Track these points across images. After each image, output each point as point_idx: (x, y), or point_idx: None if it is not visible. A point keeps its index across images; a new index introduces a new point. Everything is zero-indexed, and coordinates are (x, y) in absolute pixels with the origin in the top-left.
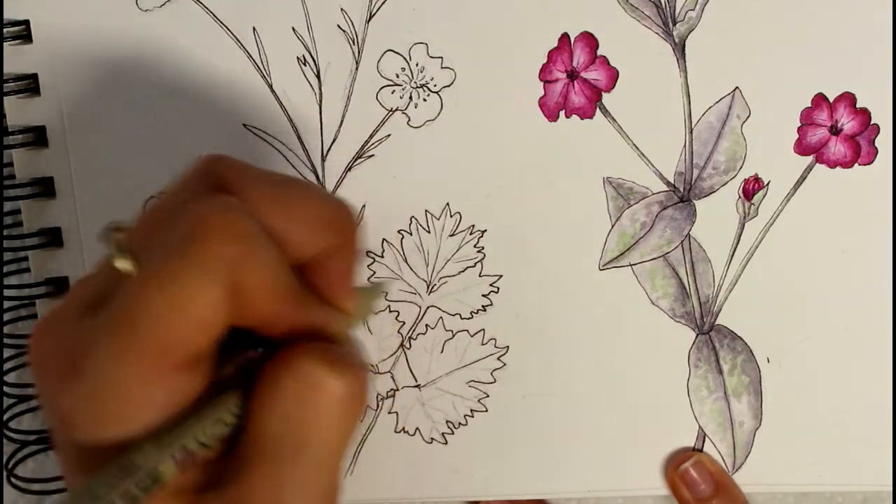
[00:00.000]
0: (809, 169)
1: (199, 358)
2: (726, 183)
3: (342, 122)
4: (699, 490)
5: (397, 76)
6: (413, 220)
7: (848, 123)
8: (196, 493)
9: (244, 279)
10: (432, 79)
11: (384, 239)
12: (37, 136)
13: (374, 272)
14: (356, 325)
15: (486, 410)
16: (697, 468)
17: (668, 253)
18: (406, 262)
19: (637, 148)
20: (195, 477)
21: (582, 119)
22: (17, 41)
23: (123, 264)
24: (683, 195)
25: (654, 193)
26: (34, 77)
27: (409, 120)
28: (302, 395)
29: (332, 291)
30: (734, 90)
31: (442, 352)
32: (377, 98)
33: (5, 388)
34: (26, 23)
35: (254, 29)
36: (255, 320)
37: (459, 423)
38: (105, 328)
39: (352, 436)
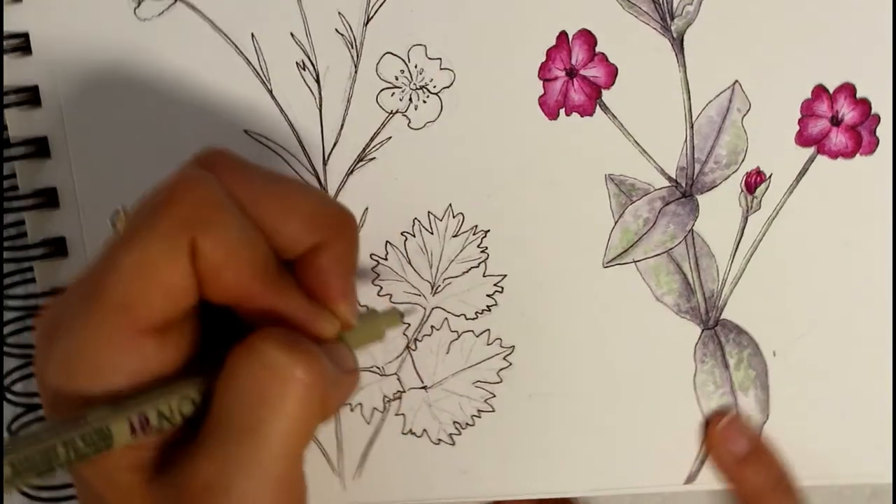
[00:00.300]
0: (811, 161)
1: (166, 327)
2: (728, 177)
3: (343, 125)
4: (736, 448)
5: (396, 78)
6: (416, 221)
7: (848, 114)
8: (153, 471)
9: (209, 247)
10: (432, 80)
11: (387, 241)
12: (39, 148)
13: (378, 274)
14: (365, 345)
15: (493, 410)
16: (734, 426)
17: (671, 249)
18: (410, 263)
19: (638, 144)
20: (154, 456)
21: (582, 116)
22: (16, 53)
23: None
24: (686, 190)
25: (656, 189)
26: (34, 89)
27: (410, 122)
28: (257, 376)
29: (324, 290)
30: (734, 84)
31: (448, 353)
32: (377, 101)
33: (13, 398)
34: (25, 35)
35: (252, 35)
36: (225, 296)
37: (467, 424)
38: (77, 291)
39: (309, 427)
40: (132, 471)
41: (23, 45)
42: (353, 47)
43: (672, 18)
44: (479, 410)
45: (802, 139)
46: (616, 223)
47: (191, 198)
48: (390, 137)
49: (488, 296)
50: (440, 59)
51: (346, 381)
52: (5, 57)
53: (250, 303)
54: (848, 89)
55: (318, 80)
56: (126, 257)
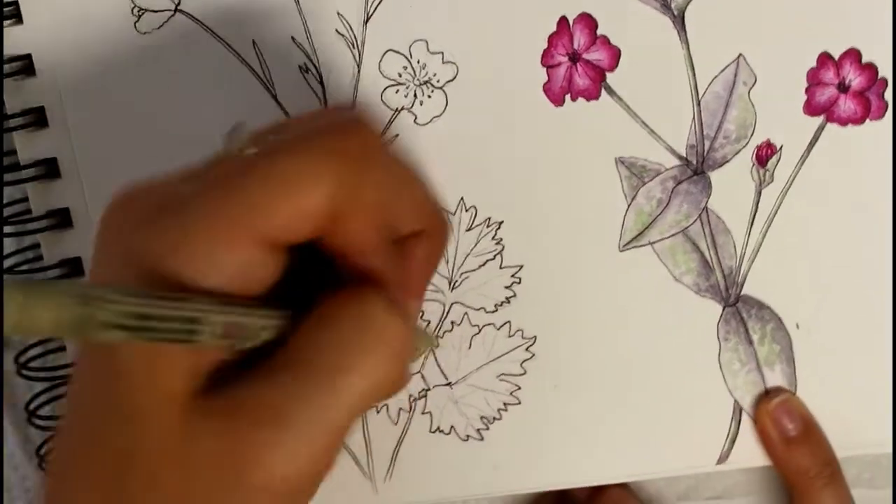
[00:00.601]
0: (821, 129)
1: (281, 247)
2: (739, 151)
3: None
4: (786, 429)
5: (400, 75)
6: None
7: (855, 80)
8: (200, 386)
9: (366, 187)
10: (435, 74)
11: None
12: (48, 169)
13: None
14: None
15: (519, 403)
16: (786, 406)
17: (687, 228)
18: None
19: (646, 125)
20: (209, 372)
21: (588, 101)
22: (20, 76)
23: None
24: (697, 168)
25: (667, 169)
26: (41, 110)
27: (416, 118)
28: (359, 328)
29: (406, 281)
30: (738, 57)
31: (470, 347)
32: (382, 99)
33: (40, 422)
34: (28, 57)
35: (253, 42)
36: (346, 240)
37: (494, 418)
38: (212, 182)
39: (382, 394)
40: (184, 377)
41: (26, 67)
42: (354, 47)
43: None
44: (505, 404)
45: (811, 108)
46: (629, 206)
47: (362, 133)
48: (398, 135)
49: (506, 287)
50: (442, 53)
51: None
52: (10, 80)
53: (364, 256)
54: (853, 55)
55: (321, 83)
56: (278, 165)
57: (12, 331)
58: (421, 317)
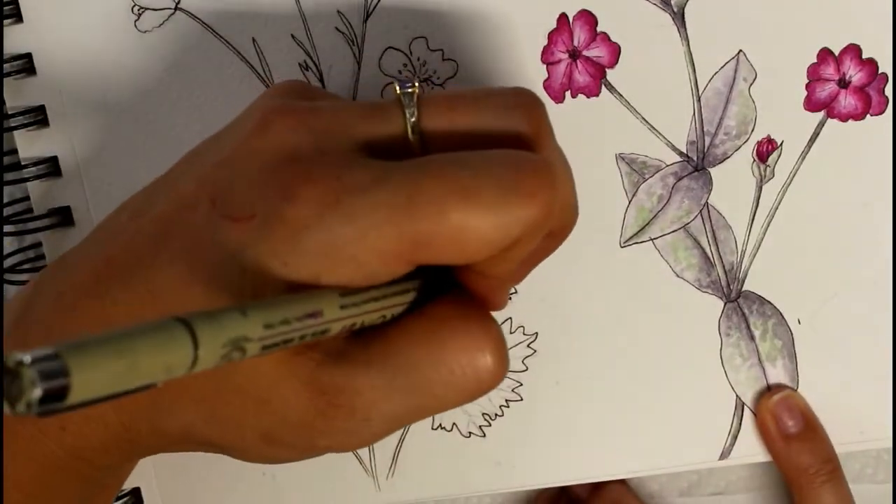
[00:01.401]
0: (822, 125)
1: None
2: (739, 147)
3: None
4: (786, 425)
5: (400, 72)
6: None
7: (856, 75)
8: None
9: (542, 228)
10: (435, 72)
11: None
12: (50, 168)
13: None
14: None
15: (521, 399)
16: (787, 403)
17: (687, 224)
18: None
19: (646, 121)
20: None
21: (588, 98)
22: (21, 75)
23: (411, 118)
24: (698, 164)
25: (668, 165)
26: (41, 109)
27: None
28: (458, 363)
29: (517, 277)
30: (738, 53)
31: None
32: (382, 96)
33: None
34: (28, 56)
35: (253, 40)
36: (483, 265)
37: (496, 415)
38: (389, 190)
39: (440, 411)
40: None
41: (27, 66)
42: (354, 44)
43: None
44: (507, 400)
45: (811, 104)
46: (630, 202)
47: (544, 196)
48: None
49: None
50: (442, 50)
51: None
52: (10, 80)
53: (500, 277)
54: (853, 50)
55: (321, 80)
56: (472, 207)
57: (170, 375)
58: None
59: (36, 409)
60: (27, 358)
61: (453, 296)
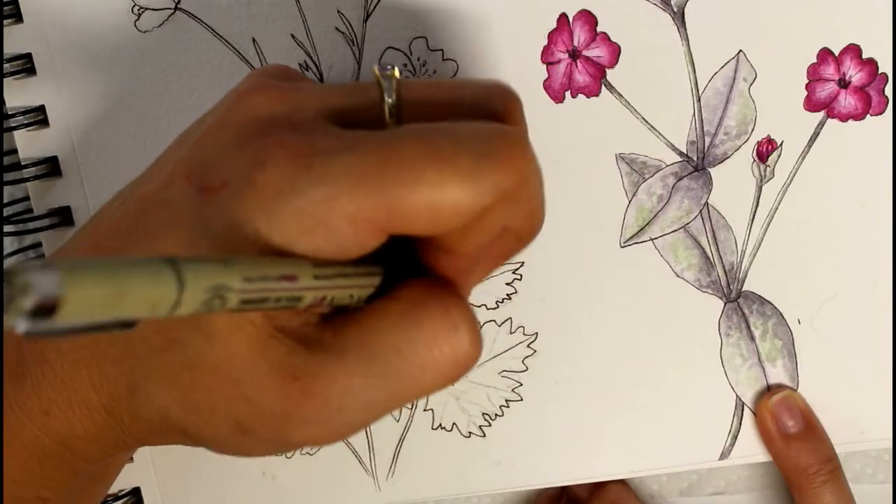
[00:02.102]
0: (822, 125)
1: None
2: (739, 147)
3: None
4: (786, 426)
5: (400, 72)
6: None
7: (856, 75)
8: (275, 324)
9: (509, 207)
10: (435, 72)
11: None
12: (50, 168)
13: None
14: None
15: (521, 399)
16: (786, 403)
17: (687, 224)
18: None
19: (646, 121)
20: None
21: (588, 97)
22: (21, 75)
23: (388, 99)
24: (697, 164)
25: (668, 165)
26: (41, 109)
27: None
28: (438, 338)
29: (480, 274)
30: (738, 53)
31: None
32: None
33: None
34: (28, 56)
35: (253, 40)
36: (454, 242)
37: (496, 415)
38: (362, 154)
39: (419, 396)
40: (264, 316)
41: (27, 66)
42: (354, 44)
43: None
44: (507, 400)
45: (811, 104)
46: (630, 202)
47: (519, 164)
48: None
49: (507, 284)
50: (442, 50)
51: None
52: (11, 79)
53: (464, 257)
54: (853, 50)
55: (321, 80)
56: (438, 173)
57: (154, 312)
58: None
59: (26, 323)
60: (22, 265)
61: (424, 279)
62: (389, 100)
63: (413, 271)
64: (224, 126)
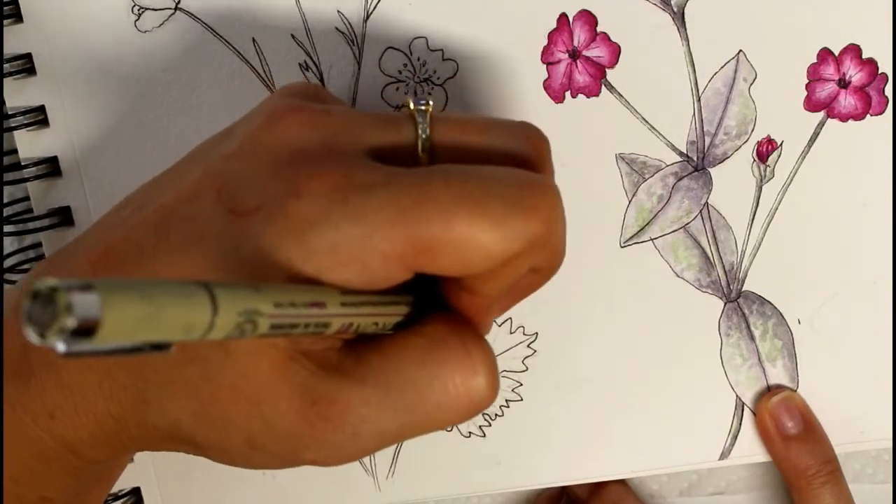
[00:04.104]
0: (822, 125)
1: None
2: (739, 147)
3: None
4: (785, 426)
5: (400, 72)
6: None
7: (856, 75)
8: (297, 349)
9: (537, 253)
10: (435, 72)
11: None
12: (50, 168)
13: None
14: None
15: (521, 399)
16: (786, 404)
17: (687, 224)
18: None
19: (646, 121)
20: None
21: (588, 97)
22: (21, 75)
23: (423, 134)
24: (697, 164)
25: (668, 165)
26: (41, 109)
27: None
28: (456, 378)
29: (501, 308)
30: (738, 53)
31: None
32: (382, 96)
33: None
34: (28, 56)
35: (253, 40)
36: (485, 289)
37: (496, 415)
38: (397, 192)
39: (434, 429)
40: (288, 339)
41: (27, 66)
42: (354, 44)
43: None
44: (507, 400)
45: (811, 104)
46: (630, 202)
47: (547, 213)
48: None
49: None
50: (442, 50)
51: None
52: (11, 79)
53: (489, 297)
54: (853, 50)
55: (322, 80)
56: (475, 218)
57: (187, 336)
58: None
59: (66, 343)
60: (63, 284)
61: (446, 315)
62: (423, 135)
63: (437, 302)
64: (257, 148)
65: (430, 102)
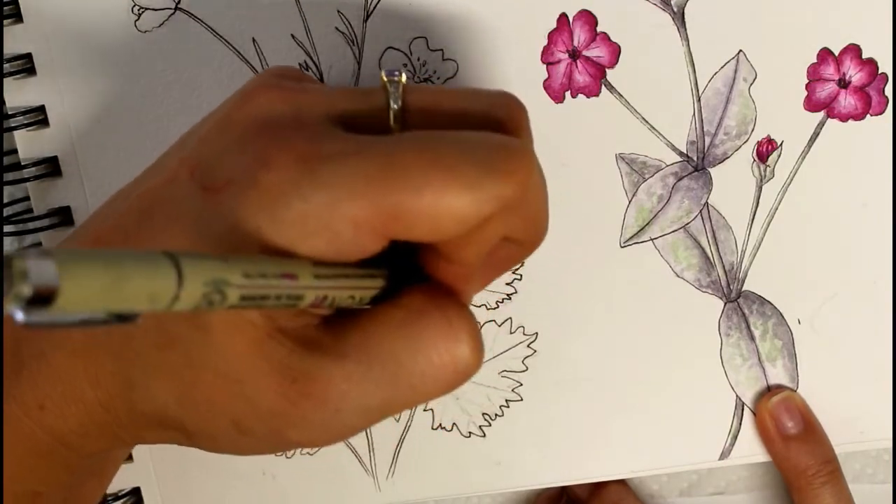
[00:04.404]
0: (821, 125)
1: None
2: (739, 147)
3: None
4: (785, 426)
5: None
6: None
7: (856, 75)
8: (276, 325)
9: (512, 227)
10: (435, 72)
11: None
12: (50, 168)
13: None
14: None
15: (521, 399)
16: (786, 404)
17: (687, 224)
18: None
19: (646, 121)
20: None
21: (588, 97)
22: (21, 75)
23: (394, 105)
24: (697, 164)
25: (668, 165)
26: (41, 109)
27: None
28: (438, 347)
29: (480, 281)
30: (738, 53)
31: None
32: None
33: None
34: (28, 56)
35: (253, 40)
36: (456, 248)
37: (496, 415)
38: (366, 159)
39: (419, 403)
40: (264, 316)
41: (27, 66)
42: (354, 44)
43: None
44: (507, 400)
45: (811, 104)
46: (630, 202)
47: (521, 176)
48: None
49: (507, 284)
50: (442, 50)
51: None
52: (11, 79)
53: (464, 264)
54: (853, 50)
55: (321, 80)
56: (441, 179)
57: (153, 306)
58: None
59: (25, 311)
60: (19, 252)
61: (425, 286)
62: (395, 105)
63: (416, 275)
64: (228, 125)
65: (403, 74)
